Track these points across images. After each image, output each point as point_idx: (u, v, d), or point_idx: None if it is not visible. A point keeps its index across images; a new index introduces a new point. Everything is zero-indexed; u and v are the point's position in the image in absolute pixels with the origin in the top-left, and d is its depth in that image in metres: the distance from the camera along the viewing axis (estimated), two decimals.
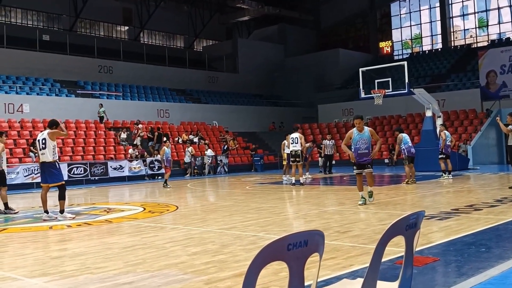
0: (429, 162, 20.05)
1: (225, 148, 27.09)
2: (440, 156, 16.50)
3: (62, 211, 9.53)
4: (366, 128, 10.18)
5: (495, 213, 8.27)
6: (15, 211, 10.97)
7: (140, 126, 26.65)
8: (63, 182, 9.75)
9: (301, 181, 15.46)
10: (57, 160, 9.82)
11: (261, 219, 8.60)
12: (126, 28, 39.53)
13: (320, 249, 2.44)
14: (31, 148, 22.31)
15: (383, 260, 4.84)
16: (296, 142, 15.65)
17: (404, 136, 15.81)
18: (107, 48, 33.34)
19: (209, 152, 26.44)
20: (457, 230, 6.79)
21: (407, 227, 2.81)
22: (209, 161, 26.23)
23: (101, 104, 26.56)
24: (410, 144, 15.69)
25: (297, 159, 15.47)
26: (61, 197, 9.54)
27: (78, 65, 30.21)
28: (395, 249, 4.77)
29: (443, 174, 16.33)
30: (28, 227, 8.91)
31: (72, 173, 21.40)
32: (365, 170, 10.07)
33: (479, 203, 9.58)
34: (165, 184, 17.51)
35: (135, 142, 25.51)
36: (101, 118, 26.48)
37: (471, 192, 12.05)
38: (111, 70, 31.97)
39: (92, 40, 33.09)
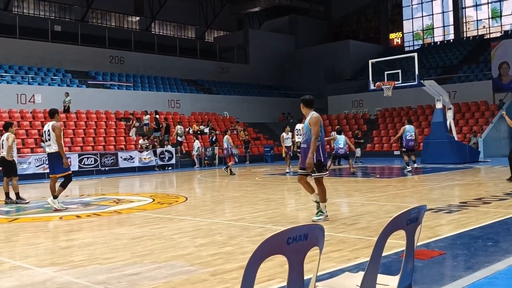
0: (439, 154, 19.98)
1: (213, 139, 26.67)
2: (402, 150, 16.94)
3: (55, 197, 9.56)
4: (311, 114, 7.48)
5: (504, 206, 8.24)
6: (26, 201, 11.12)
7: (147, 117, 26.66)
8: (70, 172, 9.83)
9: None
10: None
11: (269, 210, 8.64)
12: (137, 18, 39.59)
13: (320, 243, 2.45)
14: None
15: (388, 253, 4.90)
16: (300, 133, 15.60)
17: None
18: (118, 39, 33.45)
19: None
20: (465, 223, 6.78)
21: (408, 221, 2.82)
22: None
23: (67, 93, 25.43)
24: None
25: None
26: (63, 185, 9.62)
27: (89, 55, 30.36)
28: (401, 242, 4.79)
29: (407, 166, 16.60)
30: (39, 217, 9.03)
31: (82, 163, 21.57)
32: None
33: (488, 196, 9.54)
34: (228, 172, 18.19)
35: (130, 134, 25.54)
36: (67, 108, 25.25)
37: (481, 185, 11.99)
38: (122, 60, 32.09)
39: (103, 31, 33.22)
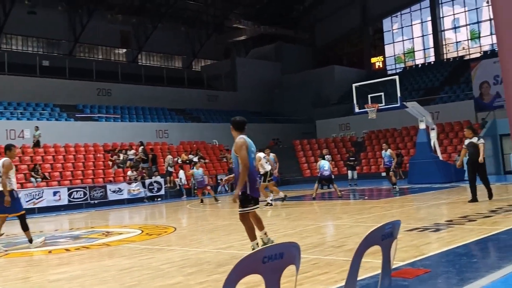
0: (425, 174, 20.19)
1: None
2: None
3: (30, 241, 9.20)
4: (237, 139, 6.73)
5: (489, 223, 8.36)
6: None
7: (131, 151, 26.59)
8: (23, 212, 9.26)
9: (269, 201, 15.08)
10: (15, 189, 9.16)
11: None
12: (124, 50, 39.96)
13: (296, 261, 2.53)
14: (32, 173, 22.45)
15: (376, 272, 4.96)
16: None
17: (322, 162, 16.85)
18: (106, 71, 33.68)
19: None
20: (450, 241, 6.88)
21: (383, 236, 2.93)
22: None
23: (37, 127, 24.89)
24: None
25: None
26: (24, 228, 9.19)
27: (77, 89, 30.50)
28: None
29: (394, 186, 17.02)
30: (28, 251, 9.00)
31: (72, 197, 21.50)
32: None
33: (474, 214, 9.67)
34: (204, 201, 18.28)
35: (112, 170, 25.41)
36: (37, 142, 24.79)
37: (466, 204, 12.13)
38: (110, 92, 32.26)
39: (90, 64, 33.47)
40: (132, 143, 28.23)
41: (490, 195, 11.77)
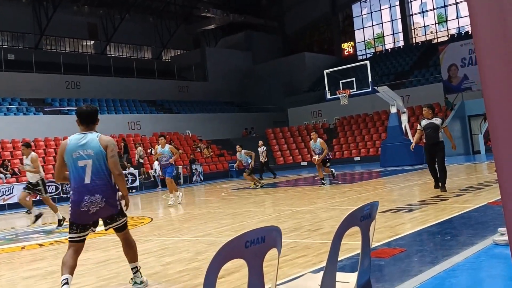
0: (396, 157, 20.49)
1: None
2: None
3: None
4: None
5: (460, 202, 8.55)
6: None
7: None
8: None
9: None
10: None
11: (236, 223, 8.70)
12: (92, 42, 39.22)
13: (278, 245, 2.50)
14: (1, 169, 21.94)
15: (352, 254, 5.02)
16: None
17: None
18: (74, 64, 33.00)
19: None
20: (423, 220, 7.01)
21: (362, 218, 2.93)
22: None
23: None
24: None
25: None
26: None
27: (45, 82, 29.84)
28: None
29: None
30: (0, 249, 8.81)
31: None
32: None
33: (445, 194, 9.87)
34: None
35: None
36: None
37: None
38: (79, 85, 31.65)
39: (58, 57, 32.72)
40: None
41: (443, 184, 10.28)
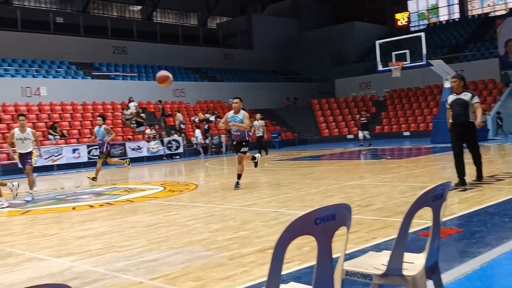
0: (448, 133, 19.79)
1: (206, 128, 26.49)
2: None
3: None
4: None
5: None
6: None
7: (132, 103, 26.50)
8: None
9: None
10: None
11: (281, 195, 8.60)
12: (139, 7, 39.35)
13: (347, 223, 2.43)
14: (50, 131, 22.54)
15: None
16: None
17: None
18: (121, 29, 33.28)
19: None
20: (480, 200, 6.72)
21: (434, 198, 2.78)
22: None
23: None
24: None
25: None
26: None
27: (92, 46, 30.23)
28: (418, 221, 4.75)
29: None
30: (51, 208, 9.04)
31: (91, 154, 21.61)
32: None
33: (501, 173, 9.46)
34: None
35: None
36: None
37: (492, 163, 11.89)
38: (125, 50, 31.95)
39: (105, 21, 33.03)
40: (149, 101, 28.21)
41: (479, 175, 8.51)
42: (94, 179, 13.38)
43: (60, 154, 20.93)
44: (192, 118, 27.98)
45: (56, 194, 11.45)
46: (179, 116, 26.41)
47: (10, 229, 7.15)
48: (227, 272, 4.17)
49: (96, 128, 14.33)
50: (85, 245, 5.58)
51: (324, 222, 2.22)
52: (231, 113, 10.06)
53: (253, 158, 10.68)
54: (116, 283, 4.04)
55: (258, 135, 20.80)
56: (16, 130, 10.58)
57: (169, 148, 24.07)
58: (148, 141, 23.69)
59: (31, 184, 10.46)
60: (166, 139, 24.16)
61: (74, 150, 21.39)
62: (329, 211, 2.27)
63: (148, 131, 24.54)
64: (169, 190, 10.54)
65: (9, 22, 28.21)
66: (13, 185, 10.43)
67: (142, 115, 26.27)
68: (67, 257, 5.05)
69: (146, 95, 28.26)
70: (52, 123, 23.05)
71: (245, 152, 10.01)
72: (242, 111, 9.92)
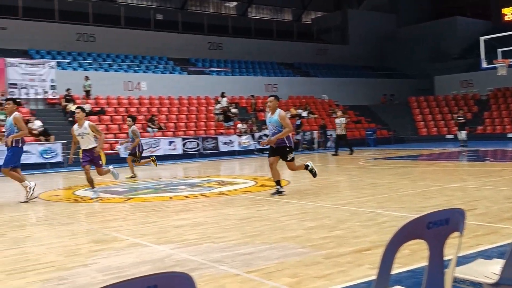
0: None
1: (298, 123, 26.21)
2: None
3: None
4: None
5: None
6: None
7: (224, 98, 26.92)
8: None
9: None
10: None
11: (377, 195, 8.35)
12: (235, 4, 40.08)
13: (460, 228, 2.30)
14: (149, 123, 23.64)
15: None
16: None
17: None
18: (216, 25, 34.14)
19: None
20: None
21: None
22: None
23: (87, 77, 24.52)
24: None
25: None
26: None
27: (190, 42, 31.28)
28: None
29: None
30: (150, 197, 9.46)
31: (186, 147, 22.41)
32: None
33: None
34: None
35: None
36: (87, 92, 24.49)
37: None
38: (221, 46, 32.74)
39: (202, 18, 34.06)
40: (242, 96, 28.69)
41: None
42: (133, 177, 13.33)
43: (158, 146, 21.90)
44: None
45: (154, 184, 11.97)
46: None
47: (115, 215, 7.56)
48: (324, 271, 4.10)
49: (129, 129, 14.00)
50: (183, 234, 5.76)
51: (437, 227, 2.14)
52: (268, 115, 9.06)
53: (306, 166, 9.33)
54: (213, 273, 4.12)
55: (339, 133, 20.36)
56: (75, 126, 9.67)
57: (259, 143, 24.34)
58: (240, 136, 24.11)
59: (92, 183, 9.52)
60: (257, 134, 24.45)
61: (170, 143, 22.29)
62: (443, 215, 2.18)
63: (239, 125, 24.97)
64: (260, 184, 10.64)
65: (113, 19, 29.94)
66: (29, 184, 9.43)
67: (234, 110, 26.76)
68: (167, 244, 5.24)
69: (239, 90, 28.77)
70: (150, 116, 24.16)
71: (292, 159, 8.81)
72: (278, 111, 8.80)
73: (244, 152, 23.62)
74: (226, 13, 39.68)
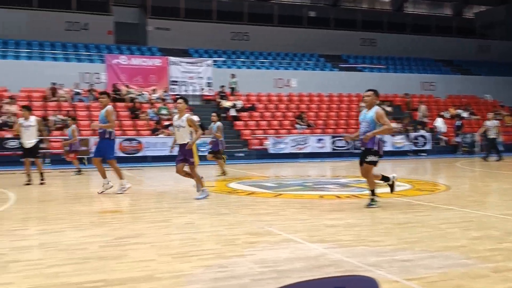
0: None
1: (458, 124, 24.13)
2: None
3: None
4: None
5: None
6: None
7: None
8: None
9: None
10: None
11: None
12: None
13: None
14: (297, 120, 23.93)
15: None
16: None
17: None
18: (370, 21, 33.38)
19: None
20: None
21: None
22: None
23: (233, 75, 25.13)
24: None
25: None
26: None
27: (341, 39, 30.98)
28: None
29: None
30: (300, 194, 9.50)
31: (335, 145, 22.25)
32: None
33: None
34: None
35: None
36: (232, 89, 25.11)
37: None
38: (374, 42, 31.96)
39: (355, 14, 33.56)
40: (396, 94, 27.72)
41: None
42: (223, 173, 13.22)
43: (306, 143, 22.06)
44: (442, 113, 26.45)
45: (303, 181, 12.03)
46: (423, 108, 25.31)
47: (267, 209, 7.71)
48: (493, 285, 3.76)
49: (211, 124, 13.89)
50: (336, 234, 5.65)
51: None
52: (363, 111, 7.83)
53: (386, 179, 7.98)
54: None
55: (490, 136, 18.67)
56: (175, 117, 9.04)
57: (415, 144, 23.24)
58: (393, 136, 23.27)
59: (199, 182, 8.90)
60: (412, 134, 23.40)
61: (319, 140, 22.31)
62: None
63: (393, 125, 24.11)
64: (417, 188, 10.08)
65: (267, 18, 30.86)
66: (108, 183, 9.55)
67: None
68: (320, 243, 5.17)
69: (393, 87, 27.78)
70: (299, 113, 24.43)
71: (373, 163, 7.59)
72: (375, 108, 7.47)
73: (397, 153, 22.71)
74: (381, 8, 38.59)
